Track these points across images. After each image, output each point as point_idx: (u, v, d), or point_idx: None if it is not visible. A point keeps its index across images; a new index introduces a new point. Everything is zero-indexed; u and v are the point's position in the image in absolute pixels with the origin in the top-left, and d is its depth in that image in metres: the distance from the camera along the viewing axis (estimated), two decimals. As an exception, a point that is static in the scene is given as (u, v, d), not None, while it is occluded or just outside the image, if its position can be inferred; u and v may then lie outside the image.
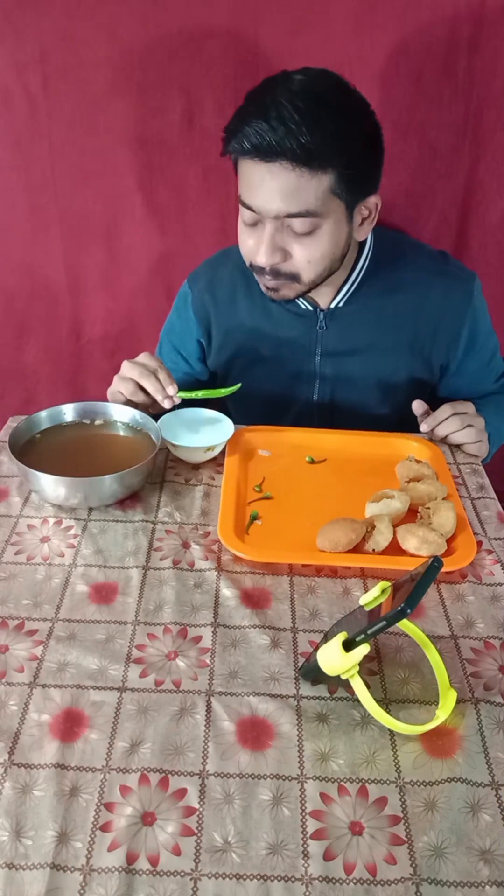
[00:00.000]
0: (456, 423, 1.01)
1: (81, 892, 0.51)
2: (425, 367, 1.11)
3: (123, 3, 1.10)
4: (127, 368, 0.97)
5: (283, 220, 0.89)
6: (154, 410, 0.99)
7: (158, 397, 0.95)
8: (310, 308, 1.07)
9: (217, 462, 0.98)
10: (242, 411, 1.14)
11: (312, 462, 1.00)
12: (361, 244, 1.03)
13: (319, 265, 0.94)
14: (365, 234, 0.98)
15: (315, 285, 0.98)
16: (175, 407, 0.99)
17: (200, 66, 1.15)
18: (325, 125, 0.83)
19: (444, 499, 0.88)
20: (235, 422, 0.99)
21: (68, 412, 0.99)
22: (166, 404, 0.95)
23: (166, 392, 0.94)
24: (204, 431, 0.98)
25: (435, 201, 1.26)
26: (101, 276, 1.37)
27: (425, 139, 1.19)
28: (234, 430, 0.98)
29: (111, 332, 1.43)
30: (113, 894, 0.51)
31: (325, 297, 1.06)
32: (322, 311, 1.07)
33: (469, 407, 1.04)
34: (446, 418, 1.02)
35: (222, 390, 1.01)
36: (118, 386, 0.98)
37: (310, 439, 1.02)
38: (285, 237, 0.91)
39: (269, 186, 0.86)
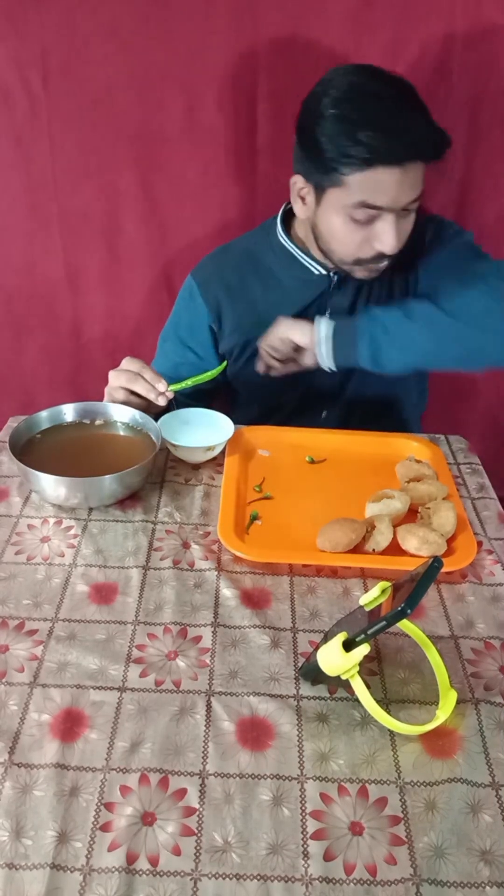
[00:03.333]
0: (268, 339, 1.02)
1: (81, 892, 0.51)
2: None
3: (124, 0, 1.10)
4: (114, 377, 0.98)
5: (405, 206, 0.92)
6: (153, 411, 0.99)
7: (151, 396, 0.95)
8: (323, 272, 1.08)
9: (217, 462, 0.98)
10: (252, 386, 1.15)
11: (312, 462, 0.99)
12: None
13: (406, 238, 0.98)
14: None
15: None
16: (174, 404, 0.99)
17: (200, 63, 1.15)
18: (428, 115, 0.90)
19: (444, 499, 0.88)
20: (245, 395, 0.99)
21: (68, 412, 0.99)
22: (161, 401, 0.95)
23: (157, 390, 0.95)
24: (204, 431, 0.98)
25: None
26: (101, 273, 1.37)
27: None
28: (234, 430, 0.98)
29: (111, 330, 1.43)
30: (113, 894, 0.51)
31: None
32: (334, 272, 1.07)
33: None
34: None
35: (209, 373, 1.02)
36: (110, 397, 0.99)
37: (310, 439, 1.02)
38: (399, 222, 0.95)
39: (402, 185, 0.90)
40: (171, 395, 0.96)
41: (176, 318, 1.20)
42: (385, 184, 0.89)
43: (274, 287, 1.11)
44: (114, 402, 0.99)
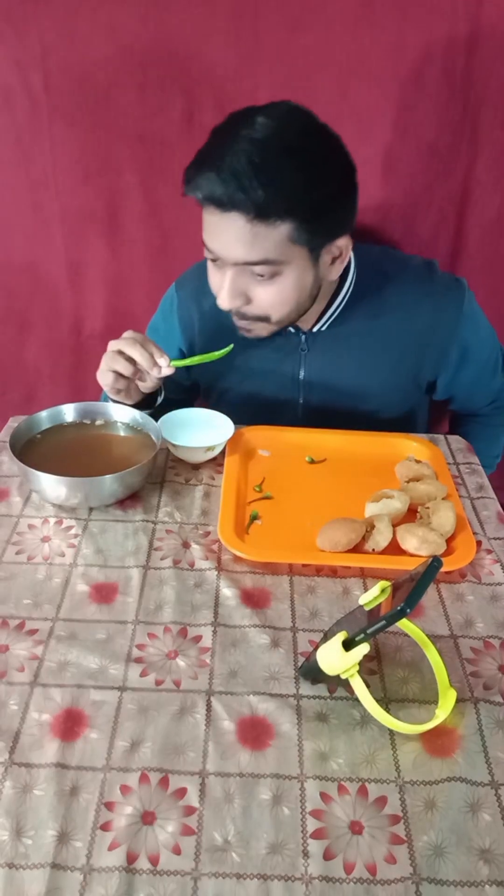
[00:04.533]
0: None
1: (81, 891, 0.51)
2: (412, 384, 1.11)
3: (124, 1, 1.10)
4: (114, 344, 0.93)
5: (242, 265, 0.88)
6: (146, 387, 0.96)
7: (154, 372, 0.91)
8: (292, 331, 1.06)
9: (217, 462, 0.98)
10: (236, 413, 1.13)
11: (312, 462, 1.00)
12: (345, 268, 1.01)
13: (284, 308, 0.93)
14: (336, 273, 0.95)
15: (285, 324, 0.97)
16: (174, 405, 0.99)
17: (200, 64, 1.15)
18: (282, 178, 0.81)
19: (443, 499, 0.88)
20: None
21: (69, 412, 0.99)
22: (164, 372, 0.92)
23: (158, 363, 0.91)
24: (204, 431, 0.98)
25: (433, 200, 1.26)
26: (101, 271, 1.37)
27: (423, 138, 1.19)
28: (234, 430, 0.98)
29: (112, 327, 1.43)
30: (113, 894, 0.51)
31: (308, 322, 1.04)
32: (304, 333, 1.06)
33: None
34: None
35: (215, 353, 0.98)
36: (108, 364, 0.93)
37: (310, 439, 1.02)
38: (247, 281, 0.90)
39: (225, 234, 0.85)
40: (171, 370, 0.92)
41: (155, 324, 1.18)
42: (211, 226, 0.87)
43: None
44: (110, 372, 0.93)
